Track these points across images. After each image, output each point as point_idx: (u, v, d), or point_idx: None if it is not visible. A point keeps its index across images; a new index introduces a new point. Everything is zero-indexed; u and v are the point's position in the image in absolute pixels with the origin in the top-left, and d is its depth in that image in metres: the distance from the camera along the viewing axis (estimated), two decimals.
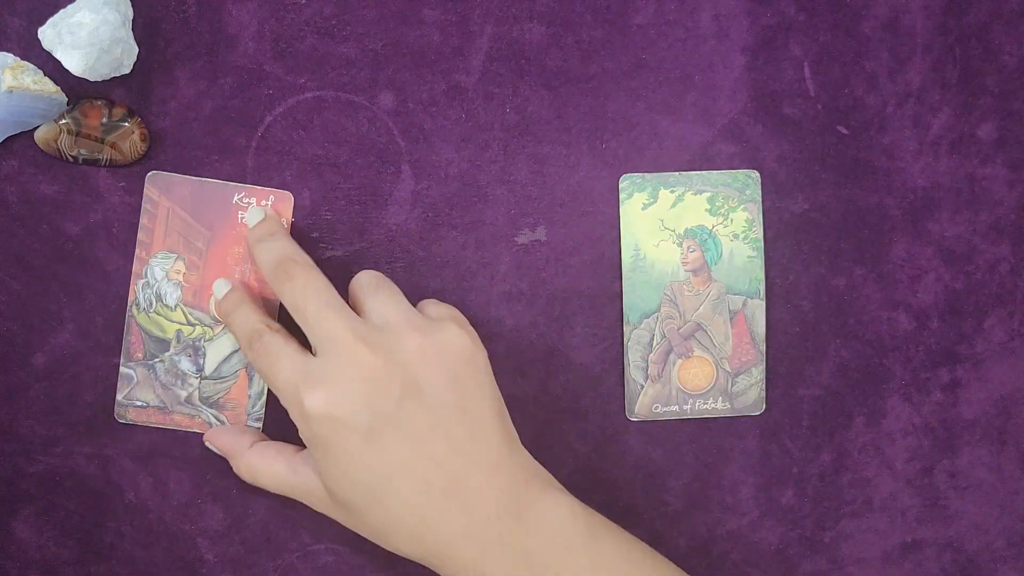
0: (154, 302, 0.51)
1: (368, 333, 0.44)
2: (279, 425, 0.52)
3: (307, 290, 0.45)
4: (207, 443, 0.50)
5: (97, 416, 0.51)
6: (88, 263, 0.51)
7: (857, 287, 0.53)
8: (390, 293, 0.47)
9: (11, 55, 0.48)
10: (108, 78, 0.49)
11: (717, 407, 0.53)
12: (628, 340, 0.52)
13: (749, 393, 0.53)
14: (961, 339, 0.54)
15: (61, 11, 0.48)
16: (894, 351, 0.54)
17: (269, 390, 0.51)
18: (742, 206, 0.52)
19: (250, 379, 0.51)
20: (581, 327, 0.53)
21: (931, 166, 0.53)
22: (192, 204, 0.51)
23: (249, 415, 0.51)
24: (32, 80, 0.48)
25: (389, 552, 0.53)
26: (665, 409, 0.53)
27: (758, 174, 0.52)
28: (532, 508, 0.44)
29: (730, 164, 0.53)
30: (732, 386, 0.53)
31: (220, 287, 0.49)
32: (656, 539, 0.54)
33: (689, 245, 0.52)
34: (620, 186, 0.52)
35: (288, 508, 0.53)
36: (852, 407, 0.54)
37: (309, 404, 0.43)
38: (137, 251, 0.50)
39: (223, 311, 0.49)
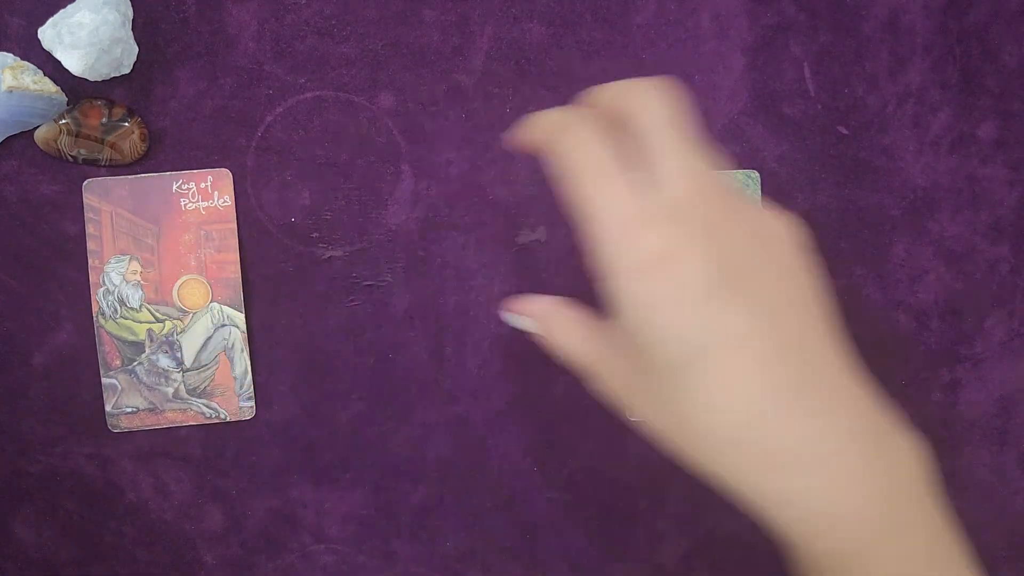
0: (118, 307, 0.51)
1: (716, 191, 0.37)
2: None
3: (664, 122, 0.37)
4: (513, 316, 0.43)
5: (97, 416, 0.51)
6: (87, 263, 0.51)
7: (857, 287, 0.53)
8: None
9: (11, 55, 0.48)
10: (108, 78, 0.49)
11: None
12: None
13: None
14: (961, 339, 0.54)
15: (61, 11, 0.48)
16: (894, 351, 0.54)
17: (253, 369, 0.52)
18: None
19: (231, 361, 0.51)
20: None
21: (931, 166, 0.53)
22: (133, 203, 0.51)
23: (239, 396, 0.52)
24: (32, 80, 0.48)
25: (390, 552, 0.53)
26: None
27: (758, 174, 0.52)
28: (889, 438, 0.36)
29: (731, 164, 0.53)
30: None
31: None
32: (657, 539, 0.54)
33: None
34: None
35: (288, 508, 0.53)
36: None
37: (648, 243, 0.35)
38: (90, 261, 0.51)
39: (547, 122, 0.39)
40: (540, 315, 0.42)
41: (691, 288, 0.35)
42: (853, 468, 0.35)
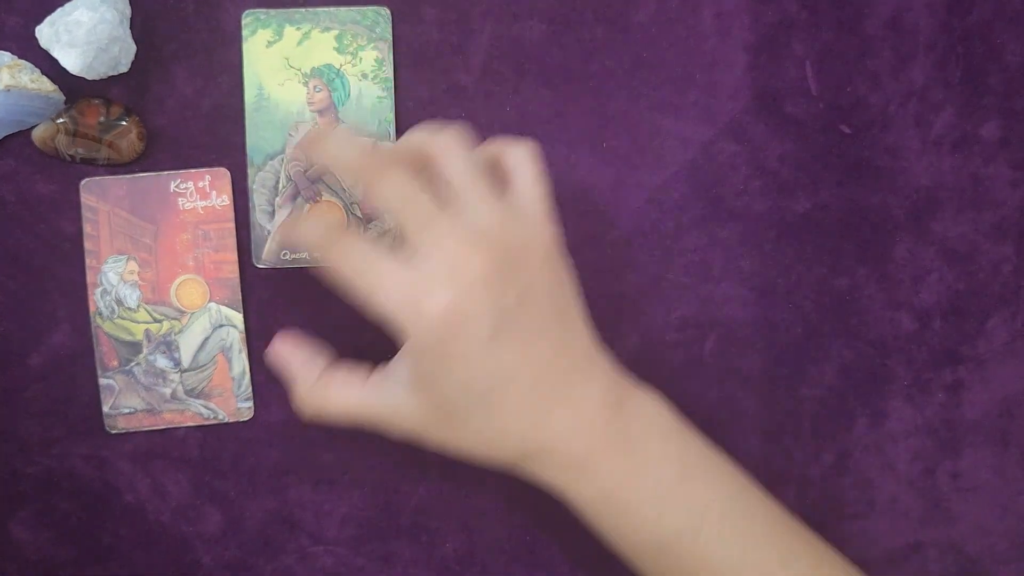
0: (116, 308, 0.51)
1: (476, 239, 0.42)
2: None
3: (405, 189, 0.43)
4: (270, 359, 0.48)
5: (94, 417, 0.51)
6: (85, 263, 0.51)
7: (859, 287, 0.53)
8: (488, 189, 0.44)
9: (8, 54, 0.48)
10: (106, 77, 0.49)
11: None
12: (253, 183, 0.51)
13: (383, 241, 0.51)
14: (964, 339, 0.54)
15: (59, 9, 0.48)
16: (897, 351, 0.54)
17: (251, 370, 0.51)
18: (372, 44, 0.50)
19: (229, 362, 0.51)
20: None
21: (934, 165, 0.53)
22: (130, 202, 0.50)
23: (237, 396, 0.51)
24: (29, 79, 0.47)
25: (389, 553, 0.53)
26: (294, 256, 0.51)
27: (388, 11, 0.50)
28: (630, 401, 0.46)
29: (732, 164, 0.52)
30: (365, 233, 0.51)
31: (282, 214, 0.48)
32: None
33: (315, 84, 0.51)
34: (243, 22, 0.50)
35: (286, 509, 0.52)
36: (854, 408, 0.54)
37: (432, 308, 0.41)
38: (87, 261, 0.50)
39: (296, 227, 0.45)
40: (303, 380, 0.47)
41: (472, 341, 0.42)
42: (601, 437, 0.44)
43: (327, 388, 0.46)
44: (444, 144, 0.44)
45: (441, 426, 0.45)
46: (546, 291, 0.44)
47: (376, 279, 0.42)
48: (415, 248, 0.42)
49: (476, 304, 0.41)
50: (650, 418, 0.46)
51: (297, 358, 0.47)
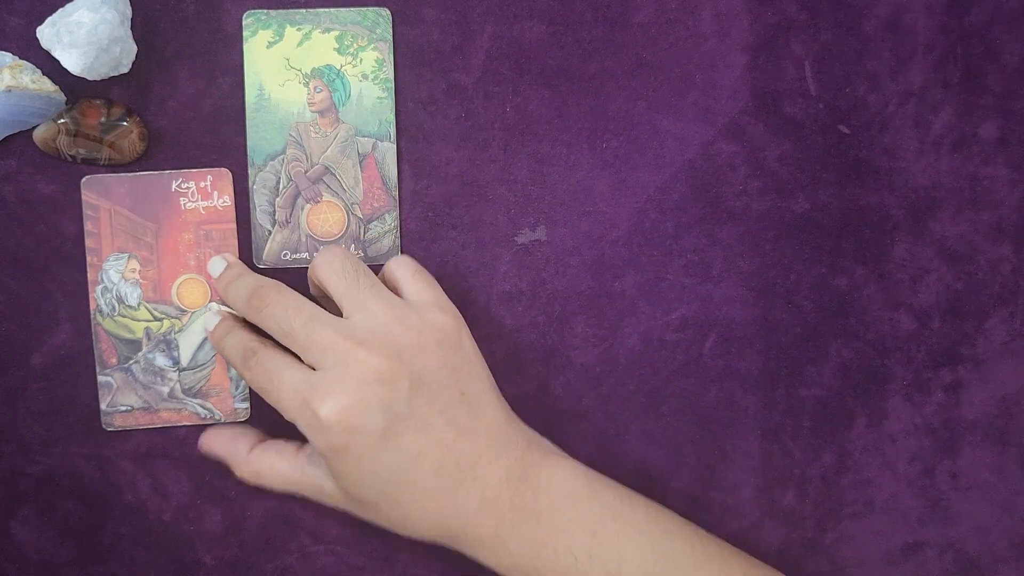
0: (116, 305, 0.51)
1: (363, 336, 0.45)
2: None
3: (287, 310, 0.46)
4: (203, 449, 0.50)
5: (95, 417, 0.51)
6: (85, 261, 0.51)
7: (858, 287, 0.53)
8: (369, 285, 0.47)
9: (9, 54, 0.48)
10: (107, 77, 0.49)
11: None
12: (254, 183, 0.51)
13: (383, 241, 0.51)
14: (962, 339, 0.54)
15: (60, 10, 0.48)
16: (895, 351, 0.54)
17: None
18: (372, 45, 0.50)
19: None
20: (581, 327, 0.53)
21: (933, 166, 0.53)
22: (132, 201, 0.50)
23: (234, 397, 0.51)
24: (31, 79, 0.47)
25: (389, 552, 0.53)
26: (295, 256, 0.51)
27: (388, 12, 0.50)
28: (537, 471, 0.47)
29: (731, 164, 0.53)
30: (365, 233, 0.52)
31: (210, 320, 0.50)
32: None
33: (316, 85, 0.51)
34: (243, 23, 0.50)
35: (287, 509, 0.52)
36: (853, 408, 0.54)
37: (325, 414, 0.44)
38: (88, 259, 0.50)
39: (215, 341, 0.49)
40: (234, 456, 0.49)
41: (367, 440, 0.44)
42: (508, 511, 0.46)
43: (260, 461, 0.49)
44: (320, 262, 0.47)
45: (359, 509, 0.47)
46: (446, 374, 0.46)
47: (279, 390, 0.45)
48: (310, 356, 0.45)
49: (367, 404, 0.44)
50: (559, 486, 0.47)
51: (224, 440, 0.50)
